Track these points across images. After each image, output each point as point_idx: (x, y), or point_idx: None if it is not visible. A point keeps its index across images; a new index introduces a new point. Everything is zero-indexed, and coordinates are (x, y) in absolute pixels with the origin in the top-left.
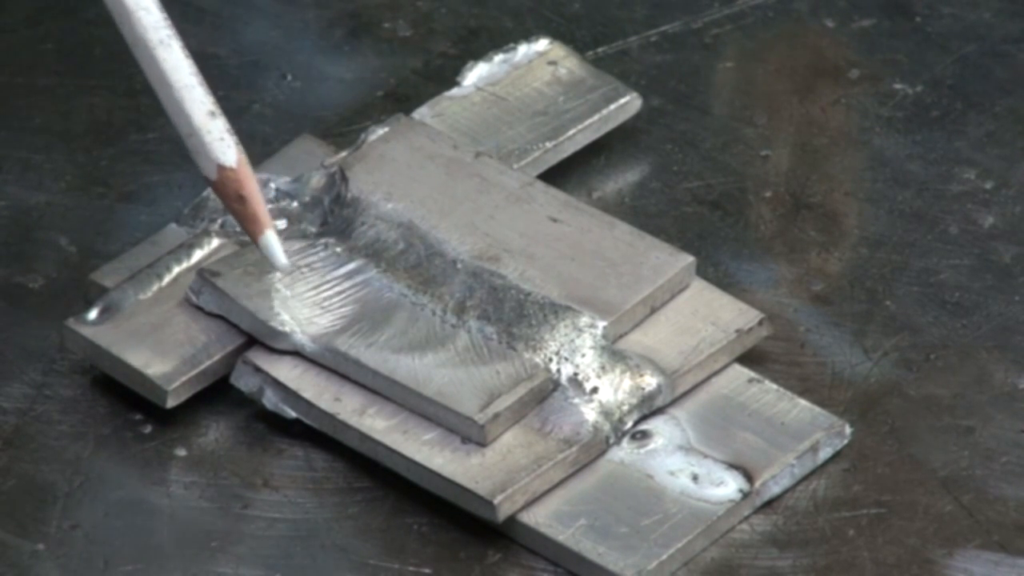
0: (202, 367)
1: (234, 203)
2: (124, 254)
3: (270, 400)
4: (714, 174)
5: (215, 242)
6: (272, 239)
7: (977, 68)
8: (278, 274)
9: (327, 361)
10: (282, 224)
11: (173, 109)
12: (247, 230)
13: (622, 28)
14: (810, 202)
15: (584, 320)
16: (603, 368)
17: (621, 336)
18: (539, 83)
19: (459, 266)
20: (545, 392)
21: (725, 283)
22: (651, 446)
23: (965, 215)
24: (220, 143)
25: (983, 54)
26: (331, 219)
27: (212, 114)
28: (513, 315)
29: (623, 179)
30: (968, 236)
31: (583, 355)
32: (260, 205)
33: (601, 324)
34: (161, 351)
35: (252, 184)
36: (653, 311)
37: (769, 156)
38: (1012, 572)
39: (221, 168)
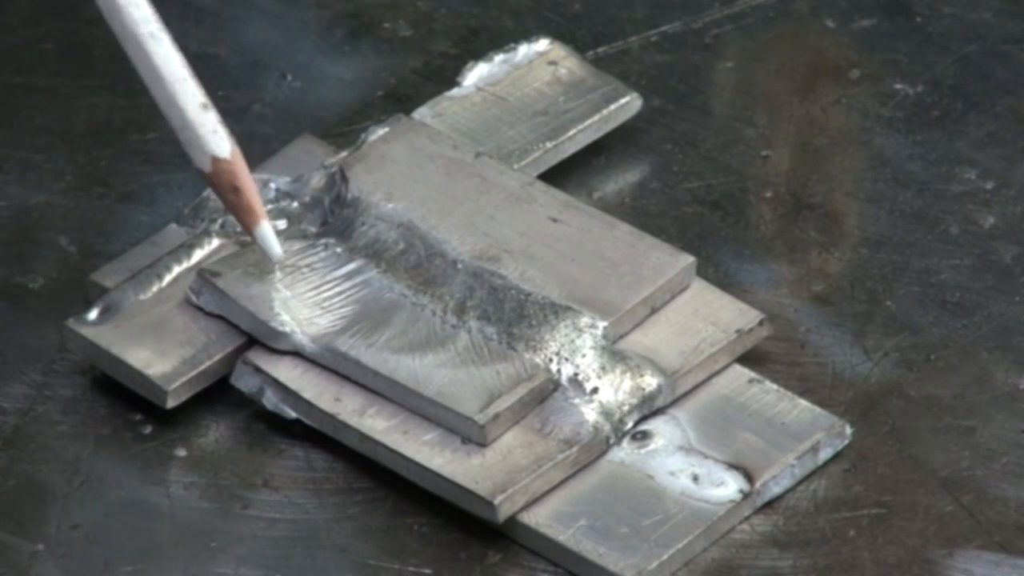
0: (202, 367)
1: (229, 194)
2: (124, 254)
3: (270, 400)
4: (714, 174)
5: (215, 242)
6: (267, 229)
7: (977, 68)
8: (278, 274)
9: (327, 361)
10: (282, 224)
11: (165, 103)
12: (241, 221)
13: (622, 28)
14: (810, 202)
15: (584, 320)
16: (603, 368)
17: (621, 336)
18: (539, 83)
19: (459, 266)
20: (545, 392)
21: (725, 283)
22: (651, 446)
23: (966, 215)
24: (214, 135)
25: (983, 54)
26: (331, 219)
27: (204, 106)
28: (513, 315)
29: (623, 179)
30: (968, 236)
31: (583, 355)
32: (255, 196)
33: (601, 324)
34: (161, 351)
35: (246, 175)
36: (653, 311)
37: (769, 156)
38: (1012, 572)
39: (215, 160)
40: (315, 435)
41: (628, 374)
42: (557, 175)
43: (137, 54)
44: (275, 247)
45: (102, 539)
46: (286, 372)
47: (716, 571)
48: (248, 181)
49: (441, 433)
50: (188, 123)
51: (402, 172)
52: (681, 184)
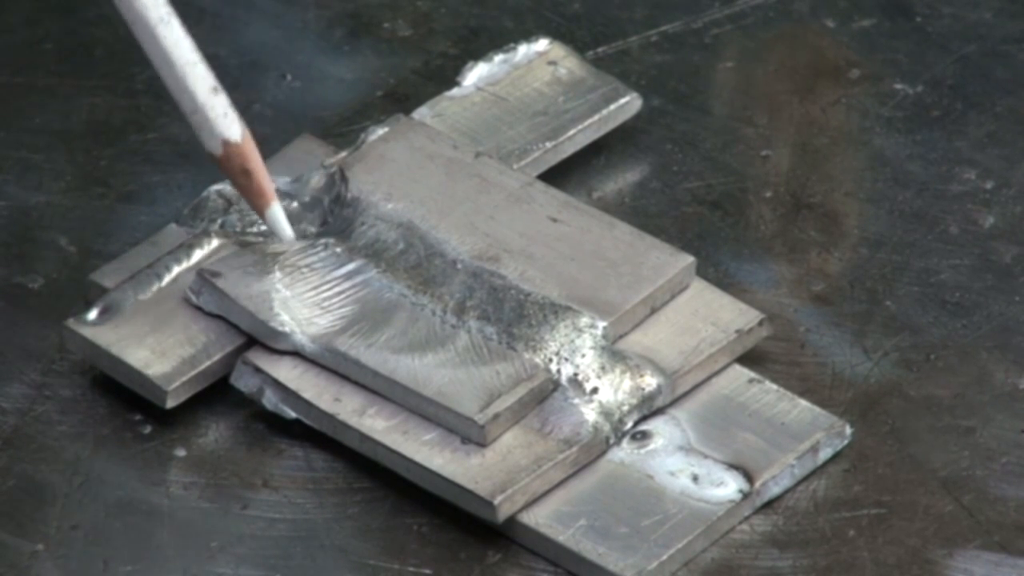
0: (202, 367)
1: (239, 178)
2: (124, 254)
3: (270, 400)
4: (714, 174)
5: (215, 242)
6: (278, 211)
7: (977, 68)
8: (278, 274)
9: (327, 361)
10: None
11: (176, 86)
12: (252, 204)
13: (622, 28)
14: (810, 202)
15: (584, 320)
16: (603, 368)
17: (621, 336)
18: (539, 83)
19: (459, 266)
20: (545, 392)
21: (725, 283)
22: (651, 446)
23: (965, 215)
24: (224, 119)
25: (983, 54)
26: (331, 219)
27: (215, 90)
28: (513, 315)
29: (623, 179)
30: (968, 236)
31: (583, 355)
32: (265, 178)
33: (601, 324)
34: (161, 351)
35: (256, 158)
36: (653, 311)
37: (769, 156)
38: (1012, 572)
39: (226, 143)
40: (315, 435)
41: (628, 374)
42: (557, 175)
43: (147, 38)
44: (286, 229)
45: (102, 539)
46: (286, 372)
47: (716, 571)
48: (258, 164)
49: (441, 433)
50: (199, 107)
51: (402, 172)
52: (681, 184)
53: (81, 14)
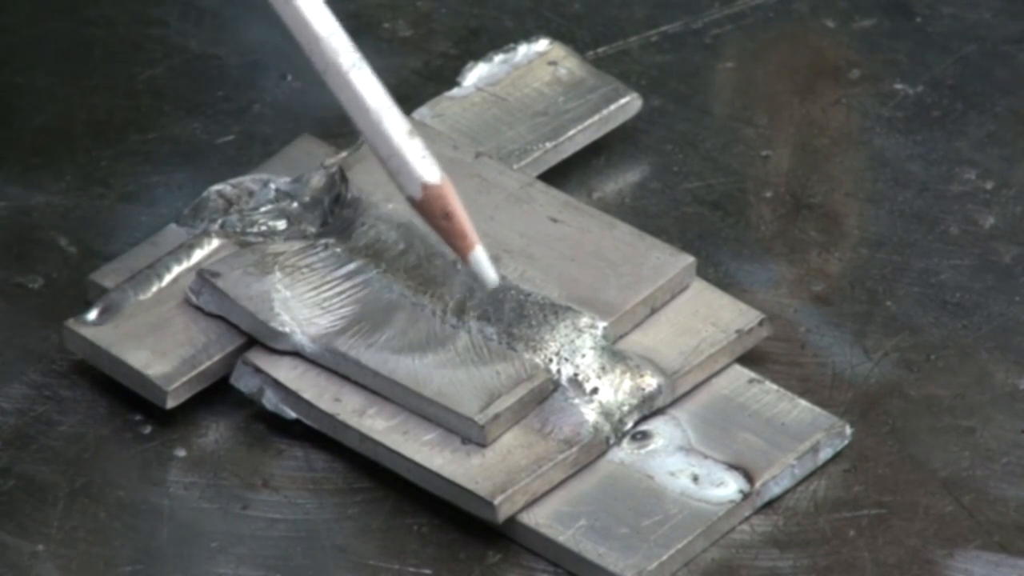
0: (202, 368)
1: (440, 221)
2: (124, 254)
3: (270, 401)
4: (714, 174)
5: (215, 242)
6: (481, 255)
7: (977, 68)
8: (278, 274)
9: (327, 362)
10: (282, 224)
11: (371, 132)
12: (454, 247)
13: (622, 28)
14: (810, 202)
15: (584, 320)
16: (603, 368)
17: (621, 336)
18: (539, 83)
19: (459, 266)
20: (545, 392)
21: (725, 283)
22: (651, 447)
23: (966, 215)
24: (423, 161)
25: (983, 54)
26: (331, 219)
27: (411, 133)
28: (513, 315)
29: (623, 179)
30: (969, 236)
31: (583, 355)
32: (467, 220)
33: (601, 324)
34: (161, 351)
35: (457, 199)
36: (653, 311)
37: (769, 156)
38: (1013, 573)
39: (426, 187)
40: (315, 435)
41: (628, 374)
42: (557, 175)
43: (340, 85)
44: (490, 272)
45: (102, 539)
46: (286, 372)
47: (716, 571)
48: (459, 206)
49: (441, 433)
50: (396, 151)
51: None
52: (681, 184)
53: (81, 14)
